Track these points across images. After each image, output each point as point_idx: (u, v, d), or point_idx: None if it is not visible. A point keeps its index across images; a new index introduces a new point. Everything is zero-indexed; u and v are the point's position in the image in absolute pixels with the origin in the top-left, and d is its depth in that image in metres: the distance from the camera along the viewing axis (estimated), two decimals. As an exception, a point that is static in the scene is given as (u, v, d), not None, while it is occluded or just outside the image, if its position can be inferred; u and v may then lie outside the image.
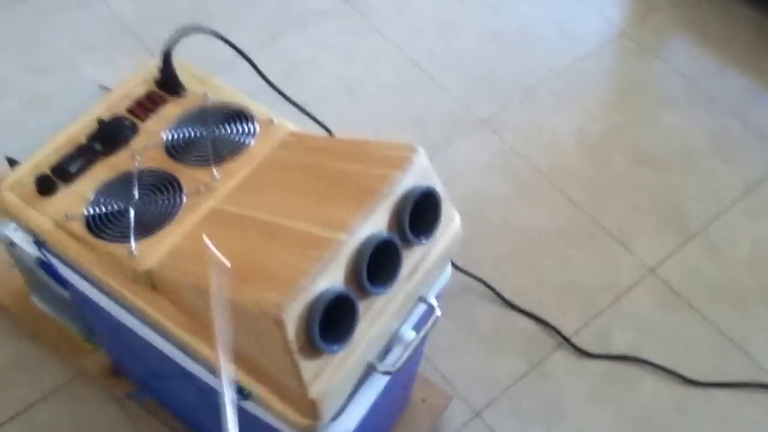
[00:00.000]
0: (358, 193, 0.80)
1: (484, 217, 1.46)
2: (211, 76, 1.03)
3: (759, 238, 1.48)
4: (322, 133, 1.16)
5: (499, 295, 1.36)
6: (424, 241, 0.84)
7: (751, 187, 1.55)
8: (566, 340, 1.33)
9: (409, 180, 0.81)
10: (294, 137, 0.94)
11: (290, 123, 0.96)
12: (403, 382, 1.12)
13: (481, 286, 1.35)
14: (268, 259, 0.76)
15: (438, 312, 0.88)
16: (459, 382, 1.27)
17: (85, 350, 1.26)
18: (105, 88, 1.06)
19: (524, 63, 1.71)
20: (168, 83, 0.99)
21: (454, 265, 1.23)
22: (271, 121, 0.96)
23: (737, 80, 1.71)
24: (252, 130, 0.95)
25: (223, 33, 1.00)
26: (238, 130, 0.95)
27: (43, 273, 1.18)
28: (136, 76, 1.01)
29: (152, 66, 1.02)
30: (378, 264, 0.79)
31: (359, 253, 0.76)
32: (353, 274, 0.77)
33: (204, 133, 0.95)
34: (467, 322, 1.32)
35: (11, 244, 1.19)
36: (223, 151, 0.93)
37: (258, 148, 0.93)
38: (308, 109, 1.10)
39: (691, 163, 1.57)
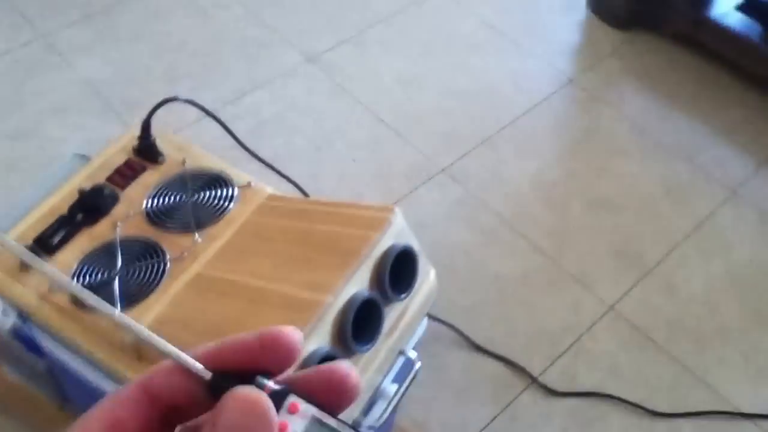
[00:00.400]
0: (340, 255, 0.82)
1: (449, 265, 1.49)
2: (188, 143, 1.04)
3: (711, 273, 1.53)
4: (295, 190, 1.18)
5: (468, 340, 1.38)
6: (403, 297, 0.86)
7: (701, 224, 1.61)
8: (534, 380, 1.35)
9: (388, 240, 0.84)
10: (272, 200, 0.96)
11: (268, 186, 0.98)
12: (384, 432, 1.13)
13: (451, 332, 1.38)
14: (255, 323, 0.77)
15: (418, 365, 0.89)
16: (431, 429, 1.28)
17: (58, 420, 1.24)
18: (82, 157, 1.07)
19: (483, 115, 1.76)
20: (147, 151, 1.00)
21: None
22: (249, 185, 0.98)
23: (684, 125, 1.78)
24: (231, 195, 0.96)
25: (191, 93, 1.02)
26: (217, 195, 0.96)
27: (18, 343, 1.16)
28: (115, 145, 1.02)
29: (130, 134, 1.03)
30: (361, 322, 0.80)
31: (343, 313, 0.78)
32: (338, 334, 0.78)
33: (184, 200, 0.96)
34: (438, 368, 1.34)
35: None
36: (204, 217, 0.94)
37: (238, 212, 0.94)
38: (277, 165, 1.12)
39: (644, 205, 1.63)
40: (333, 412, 0.32)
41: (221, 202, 0.95)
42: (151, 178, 0.98)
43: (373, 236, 0.82)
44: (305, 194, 1.19)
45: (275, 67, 1.79)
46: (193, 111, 1.62)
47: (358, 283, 0.80)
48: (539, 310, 1.45)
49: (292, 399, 0.31)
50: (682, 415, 1.33)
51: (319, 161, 1.63)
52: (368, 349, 0.81)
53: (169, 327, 0.81)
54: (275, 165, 1.12)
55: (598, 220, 1.60)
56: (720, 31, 1.85)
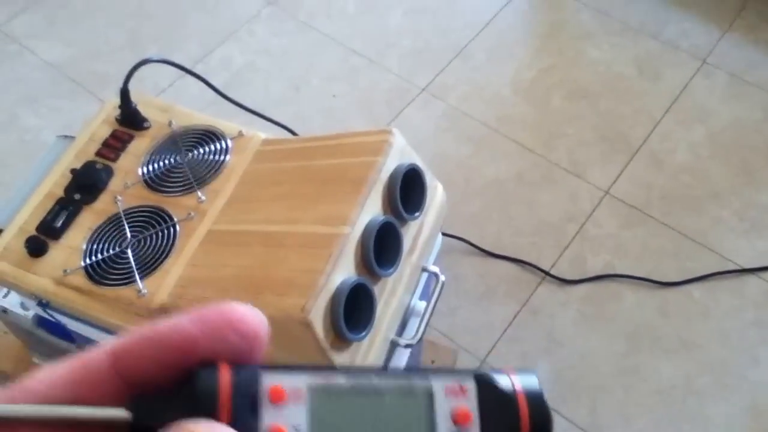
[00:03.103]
0: (348, 185, 0.77)
1: (448, 179, 1.43)
2: (170, 104, 0.97)
3: (694, 142, 1.50)
4: (285, 134, 1.12)
5: (478, 247, 1.35)
6: (417, 216, 0.82)
7: (677, 97, 1.57)
8: (547, 273, 1.33)
9: (392, 162, 0.79)
10: (267, 145, 0.90)
11: (259, 131, 0.92)
12: (417, 349, 1.11)
13: (461, 243, 1.34)
14: (279, 267, 0.73)
15: (443, 278, 0.86)
16: (459, 336, 1.27)
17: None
18: (66, 138, 1.00)
19: (450, 27, 1.69)
20: (131, 119, 0.94)
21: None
22: (240, 134, 0.92)
23: (645, 3, 1.72)
24: (225, 147, 0.90)
25: (161, 56, 0.95)
26: (211, 149, 0.91)
27: (44, 331, 1.12)
28: (96, 119, 0.95)
29: (109, 105, 0.96)
30: (381, 247, 0.76)
31: (363, 240, 0.74)
32: (362, 262, 0.74)
33: (179, 160, 0.90)
34: (455, 279, 1.31)
35: (3, 311, 1.12)
36: (203, 173, 0.88)
37: (235, 162, 0.89)
38: (260, 113, 1.06)
39: (620, 87, 1.58)
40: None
41: (217, 155, 0.90)
42: (140, 145, 0.92)
43: (377, 160, 0.77)
44: (295, 135, 1.13)
45: (237, 16, 1.70)
46: (166, 75, 1.54)
47: (371, 210, 0.76)
48: (539, 206, 1.42)
49: (268, 380, 0.21)
50: (690, 280, 1.32)
51: (300, 102, 1.56)
52: (393, 272, 0.78)
53: (192, 288, 0.77)
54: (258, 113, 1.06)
55: (580, 110, 1.55)
56: None
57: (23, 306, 1.08)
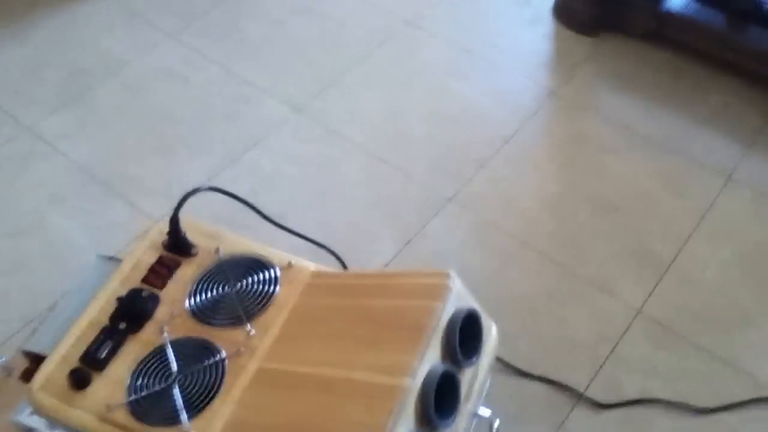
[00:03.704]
0: (406, 331, 0.77)
1: (476, 295, 1.44)
2: (215, 228, 0.98)
3: (722, 261, 1.51)
4: (328, 256, 1.13)
5: (511, 366, 1.33)
6: (475, 361, 0.81)
7: (705, 214, 1.59)
8: (581, 396, 1.31)
9: (451, 307, 0.79)
10: (318, 278, 0.90)
11: (310, 263, 0.93)
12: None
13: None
14: (336, 418, 0.72)
15: (497, 426, 0.84)
16: (491, 461, 1.24)
17: None
18: (109, 259, 1.00)
19: (474, 138, 1.72)
20: (178, 245, 0.94)
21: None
22: (289, 265, 0.92)
23: (668, 119, 1.76)
24: (274, 278, 0.91)
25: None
26: (260, 280, 0.91)
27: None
28: (142, 245, 0.96)
29: (156, 230, 0.97)
30: (439, 395, 0.75)
31: (424, 393, 0.73)
32: (422, 414, 0.73)
33: (227, 290, 0.90)
34: (487, 399, 1.29)
35: (30, 431, 1.09)
36: (251, 305, 0.88)
37: (285, 295, 0.89)
38: (284, 220, 1.05)
39: (646, 202, 1.61)
40: None
41: (266, 287, 0.90)
42: (187, 272, 0.92)
43: (437, 306, 0.77)
44: (339, 259, 1.13)
45: (264, 122, 1.73)
46: (197, 177, 1.56)
47: (431, 358, 0.75)
48: (571, 324, 1.41)
49: None
50: (725, 407, 1.30)
51: (326, 208, 1.58)
52: (453, 422, 0.76)
53: (244, 431, 0.75)
54: (284, 220, 1.05)
55: (607, 224, 1.57)
56: (683, 22, 1.84)
57: (49, 426, 1.06)
